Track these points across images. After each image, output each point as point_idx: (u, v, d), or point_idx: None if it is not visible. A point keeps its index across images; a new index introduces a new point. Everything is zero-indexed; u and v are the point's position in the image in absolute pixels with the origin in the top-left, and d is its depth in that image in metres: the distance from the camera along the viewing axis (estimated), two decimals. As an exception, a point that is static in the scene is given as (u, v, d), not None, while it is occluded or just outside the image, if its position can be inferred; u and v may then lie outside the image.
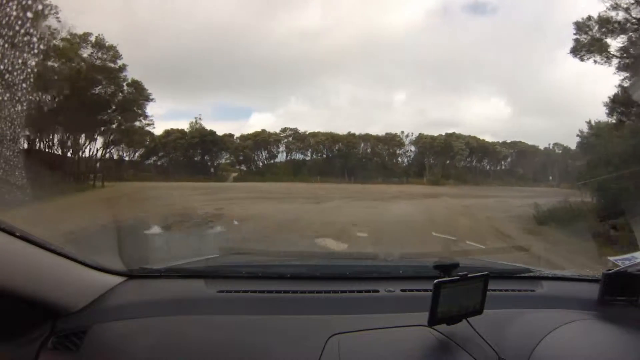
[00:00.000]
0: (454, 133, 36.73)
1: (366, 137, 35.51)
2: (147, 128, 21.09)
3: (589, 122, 19.93)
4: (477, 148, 37.15)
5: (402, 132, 36.49)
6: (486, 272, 1.12)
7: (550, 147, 40.05)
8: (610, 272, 1.35)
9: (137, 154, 28.33)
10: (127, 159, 26.40)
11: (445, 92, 43.59)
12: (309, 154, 35.14)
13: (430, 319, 1.03)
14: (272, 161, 34.93)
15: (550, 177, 38.43)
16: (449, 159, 36.56)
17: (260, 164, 34.68)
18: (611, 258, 1.55)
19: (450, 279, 1.06)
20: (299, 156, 34.99)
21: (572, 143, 36.08)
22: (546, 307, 1.36)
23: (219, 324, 1.13)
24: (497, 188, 30.47)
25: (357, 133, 34.93)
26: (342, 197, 16.25)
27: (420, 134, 36.51)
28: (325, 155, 34.91)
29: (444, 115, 45.17)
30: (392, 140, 36.03)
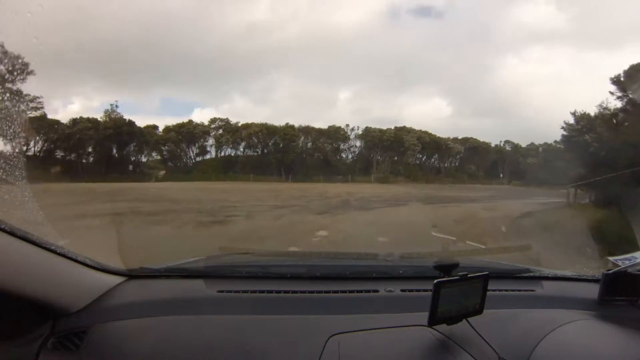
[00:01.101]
0: (404, 127, 34.33)
1: (307, 130, 31.60)
2: (33, 113, 16.03)
3: (574, 114, 20.05)
4: (429, 143, 35.25)
5: (347, 125, 33.30)
6: (486, 272, 1.12)
7: (502, 145, 39.81)
8: (610, 272, 1.35)
9: (34, 147, 21.77)
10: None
11: (392, 91, 45.67)
12: (242, 149, 31.18)
13: (430, 319, 1.03)
14: (203, 157, 30.80)
15: (501, 175, 38.16)
16: (399, 155, 34.09)
17: (188, 161, 30.44)
18: (611, 258, 1.55)
19: (450, 279, 1.06)
20: (232, 151, 31.15)
21: (522, 140, 37.73)
22: (546, 307, 1.36)
23: (219, 324, 1.13)
24: (455, 187, 28.36)
25: (296, 125, 31.32)
26: (264, 203, 12.61)
27: (367, 127, 33.19)
28: (260, 151, 30.93)
29: (390, 114, 46.32)
30: (335, 134, 32.57)
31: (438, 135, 36.53)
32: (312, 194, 17.24)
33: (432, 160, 37.94)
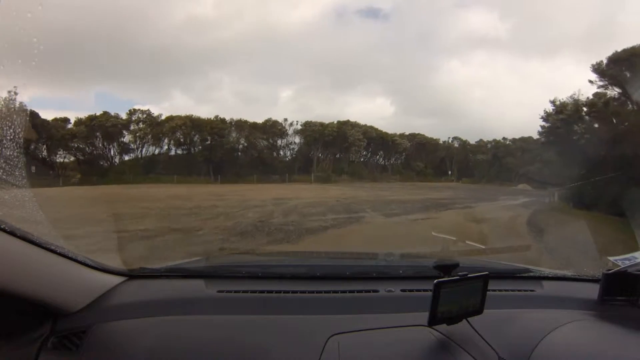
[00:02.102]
0: (348, 121, 31.35)
1: (239, 124, 27.75)
2: None
3: (553, 102, 19.16)
4: (375, 139, 32.81)
5: (286, 119, 29.77)
6: (486, 272, 1.12)
7: (450, 141, 38.42)
8: (610, 272, 1.35)
9: None
10: None
11: (335, 89, 45.33)
12: (168, 147, 27.15)
13: (430, 319, 1.03)
14: (124, 157, 26.71)
15: (450, 172, 37.09)
16: (343, 152, 31.11)
17: (107, 160, 26.11)
18: (611, 258, 1.55)
19: (450, 279, 1.06)
20: (157, 150, 26.95)
21: (470, 137, 37.29)
22: (546, 307, 1.36)
23: (219, 324, 1.13)
24: (406, 186, 26.29)
25: (227, 119, 27.55)
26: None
27: (307, 121, 29.77)
28: (187, 148, 27.18)
29: (333, 113, 45.59)
30: (272, 129, 28.93)
31: (384, 130, 34.50)
32: (229, 203, 13.26)
33: (378, 157, 35.81)
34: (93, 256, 1.24)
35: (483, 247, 6.49)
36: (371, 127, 33.12)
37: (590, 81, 17.30)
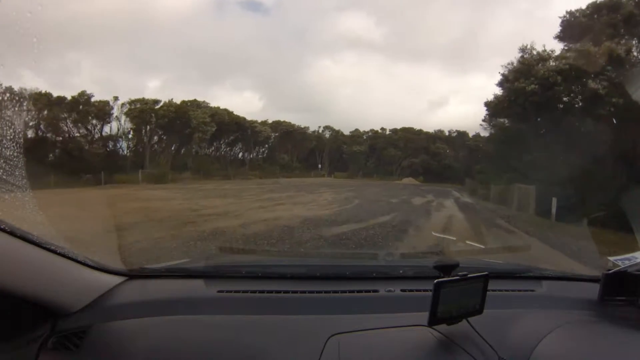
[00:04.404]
0: (195, 100, 23.95)
1: (38, 98, 17.46)
2: None
3: (523, 49, 16.52)
4: (228, 125, 25.99)
5: (116, 98, 20.30)
6: (486, 272, 1.12)
7: (321, 131, 34.40)
8: (610, 272, 1.35)
9: None
10: None
11: (202, 81, 43.65)
12: None
13: (430, 319, 1.03)
14: None
15: (320, 165, 33.51)
16: (185, 140, 23.67)
17: None
18: (611, 258, 1.55)
19: (450, 279, 1.06)
20: None
21: (345, 127, 34.62)
22: (546, 307, 1.36)
23: (219, 324, 1.13)
24: (266, 184, 21.88)
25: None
26: None
27: (132, 99, 20.66)
28: None
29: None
30: (86, 108, 19.15)
31: (242, 115, 27.49)
32: None
33: (235, 148, 29.12)
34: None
35: (483, 246, 6.51)
36: (223, 110, 25.24)
37: (559, 38, 16.26)
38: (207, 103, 24.70)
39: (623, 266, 1.39)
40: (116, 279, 1.29)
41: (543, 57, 15.87)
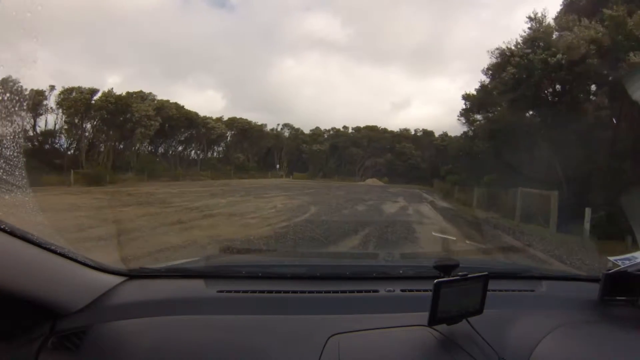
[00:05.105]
0: (140, 92, 21.20)
1: None
2: None
3: (532, 18, 13.00)
4: (177, 120, 23.31)
5: (52, 87, 17.85)
6: (486, 272, 1.12)
7: (279, 129, 32.51)
8: (610, 272, 1.35)
9: None
10: None
11: (164, 78, 42.55)
12: None
13: (430, 319, 1.03)
14: None
15: (278, 165, 31.65)
16: (126, 136, 20.64)
17: None
18: (611, 258, 1.55)
19: (450, 279, 1.06)
20: None
21: (305, 126, 32.73)
22: (546, 307, 1.36)
23: (219, 324, 1.13)
24: (215, 185, 18.75)
25: None
26: None
27: (65, 87, 17.97)
28: None
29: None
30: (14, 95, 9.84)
31: (194, 111, 24.96)
32: None
33: (187, 147, 27.07)
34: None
35: (483, 246, 6.50)
36: (172, 104, 22.63)
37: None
38: (155, 96, 21.76)
39: (623, 266, 1.39)
40: (116, 279, 1.29)
41: (565, 25, 12.03)
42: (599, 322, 1.26)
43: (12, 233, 0.92)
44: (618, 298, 1.34)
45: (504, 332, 1.13)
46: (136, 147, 21.80)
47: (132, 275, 1.35)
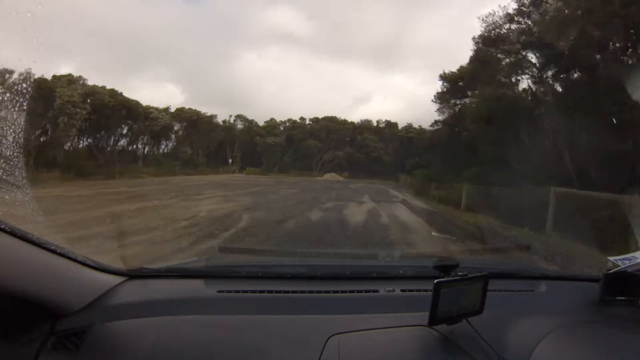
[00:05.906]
0: (69, 75, 18.13)
1: None
2: None
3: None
4: (110, 108, 19.57)
5: None
6: (486, 272, 1.12)
7: (231, 121, 30.09)
8: (610, 272, 1.35)
9: None
10: None
11: (119, 70, 40.24)
12: None
13: (430, 319, 1.03)
14: None
15: (231, 160, 29.56)
16: (50, 128, 17.45)
17: None
18: (611, 258, 1.55)
19: (450, 279, 1.06)
20: None
21: (260, 119, 30.29)
22: (546, 307, 1.36)
23: (219, 324, 1.13)
24: (151, 184, 15.87)
25: None
26: None
27: None
28: None
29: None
30: None
31: (135, 99, 22.38)
32: None
33: (132, 142, 24.14)
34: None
35: (483, 246, 6.49)
36: (107, 90, 20.07)
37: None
38: (85, 80, 18.83)
39: (623, 266, 1.39)
40: (116, 279, 1.29)
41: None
42: (599, 322, 1.26)
43: (12, 233, 0.92)
44: (618, 298, 1.34)
45: (504, 332, 1.13)
46: (62, 141, 18.55)
47: (132, 275, 1.35)
